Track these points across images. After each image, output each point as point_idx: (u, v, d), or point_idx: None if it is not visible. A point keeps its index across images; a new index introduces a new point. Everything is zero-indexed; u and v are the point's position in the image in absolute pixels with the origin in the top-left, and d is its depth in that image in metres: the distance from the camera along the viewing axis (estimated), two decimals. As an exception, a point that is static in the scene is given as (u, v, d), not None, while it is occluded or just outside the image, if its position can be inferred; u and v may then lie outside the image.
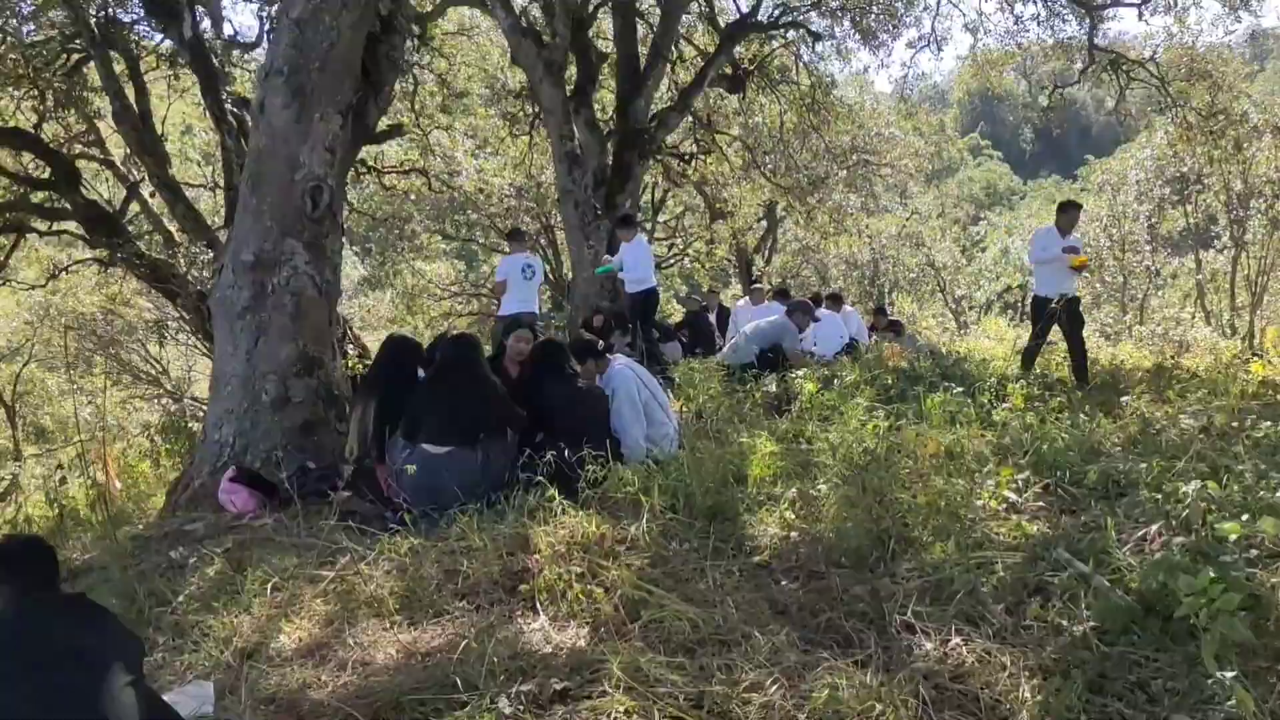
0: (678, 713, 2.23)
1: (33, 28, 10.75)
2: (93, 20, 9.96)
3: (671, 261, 22.12)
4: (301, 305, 5.06)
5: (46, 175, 11.36)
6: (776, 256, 23.53)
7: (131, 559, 3.88)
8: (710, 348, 9.54)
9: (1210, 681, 2.20)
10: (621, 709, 2.25)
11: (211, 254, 10.27)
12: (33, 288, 15.11)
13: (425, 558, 3.32)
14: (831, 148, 16.07)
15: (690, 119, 14.21)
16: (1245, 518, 2.81)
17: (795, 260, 24.63)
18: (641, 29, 12.66)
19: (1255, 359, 7.06)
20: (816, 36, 14.12)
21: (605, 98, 13.37)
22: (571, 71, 11.53)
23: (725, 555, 3.32)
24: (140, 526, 4.71)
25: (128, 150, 11.58)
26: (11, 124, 11.11)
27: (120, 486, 6.19)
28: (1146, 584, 2.60)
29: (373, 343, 11.84)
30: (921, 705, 2.24)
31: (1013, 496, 3.53)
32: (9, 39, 10.21)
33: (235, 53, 11.62)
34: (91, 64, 10.66)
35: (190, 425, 8.51)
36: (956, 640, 2.57)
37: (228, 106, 10.05)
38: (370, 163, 14.87)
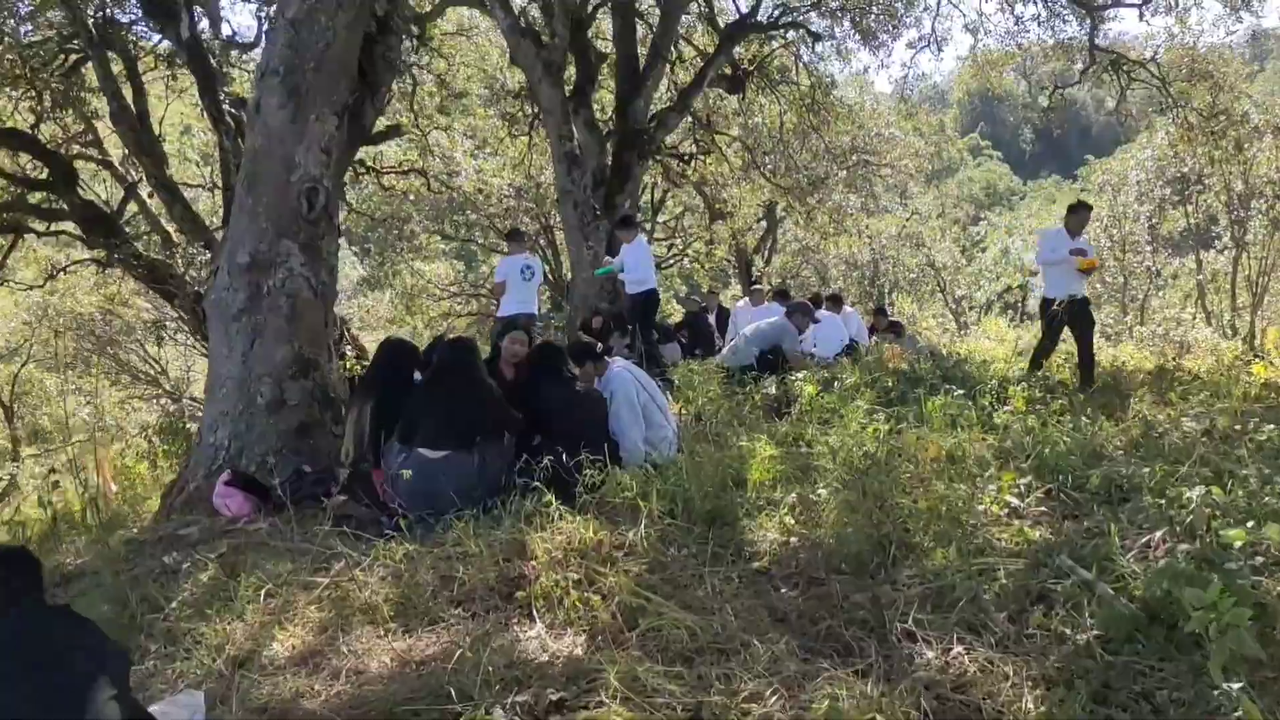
0: (675, 724, 2.20)
1: (30, 28, 10.74)
2: (90, 20, 9.94)
3: (671, 262, 22.09)
4: (297, 307, 5.02)
5: (44, 176, 11.33)
6: (776, 257, 23.50)
7: (124, 564, 3.84)
8: (709, 349, 9.51)
9: (1216, 693, 2.17)
10: (618, 720, 2.22)
11: (209, 254, 10.24)
12: (31, 288, 15.08)
13: (420, 564, 3.29)
14: (831, 148, 16.04)
15: (690, 119, 14.18)
16: (1250, 524, 2.78)
17: (795, 261, 24.60)
18: (641, 29, 12.62)
19: (1257, 360, 7.04)
20: (816, 37, 14.09)
21: (604, 98, 13.33)
22: (571, 72, 11.50)
23: (724, 561, 3.28)
24: (134, 530, 4.68)
25: (125, 151, 11.55)
26: (9, 124, 11.08)
27: (116, 489, 6.16)
28: (1151, 592, 2.56)
29: (371, 343, 11.80)
30: (923, 717, 2.21)
31: (1015, 501, 3.50)
32: (6, 39, 10.18)
33: (233, 53, 11.60)
34: (89, 64, 10.64)
35: (188, 426, 8.48)
36: (958, 649, 2.54)
37: (225, 107, 10.03)
38: (369, 163, 14.85)
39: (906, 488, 3.70)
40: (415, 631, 2.88)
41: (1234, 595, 2.24)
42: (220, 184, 11.51)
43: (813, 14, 13.94)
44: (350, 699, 2.51)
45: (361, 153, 13.01)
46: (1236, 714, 2.09)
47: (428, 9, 11.87)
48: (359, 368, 7.76)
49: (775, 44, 14.31)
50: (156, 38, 11.13)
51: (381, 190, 16.34)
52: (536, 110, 12.95)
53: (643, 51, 12.02)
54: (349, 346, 10.09)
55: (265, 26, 9.87)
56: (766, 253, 22.53)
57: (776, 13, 13.45)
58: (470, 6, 12.50)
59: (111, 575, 3.61)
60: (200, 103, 10.47)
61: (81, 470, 6.25)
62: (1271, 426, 4.19)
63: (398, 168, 16.00)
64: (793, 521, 3.56)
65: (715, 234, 19.90)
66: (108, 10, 10.25)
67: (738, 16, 13.54)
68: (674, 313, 18.31)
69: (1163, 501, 3.28)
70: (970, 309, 24.68)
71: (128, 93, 10.57)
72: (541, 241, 19.53)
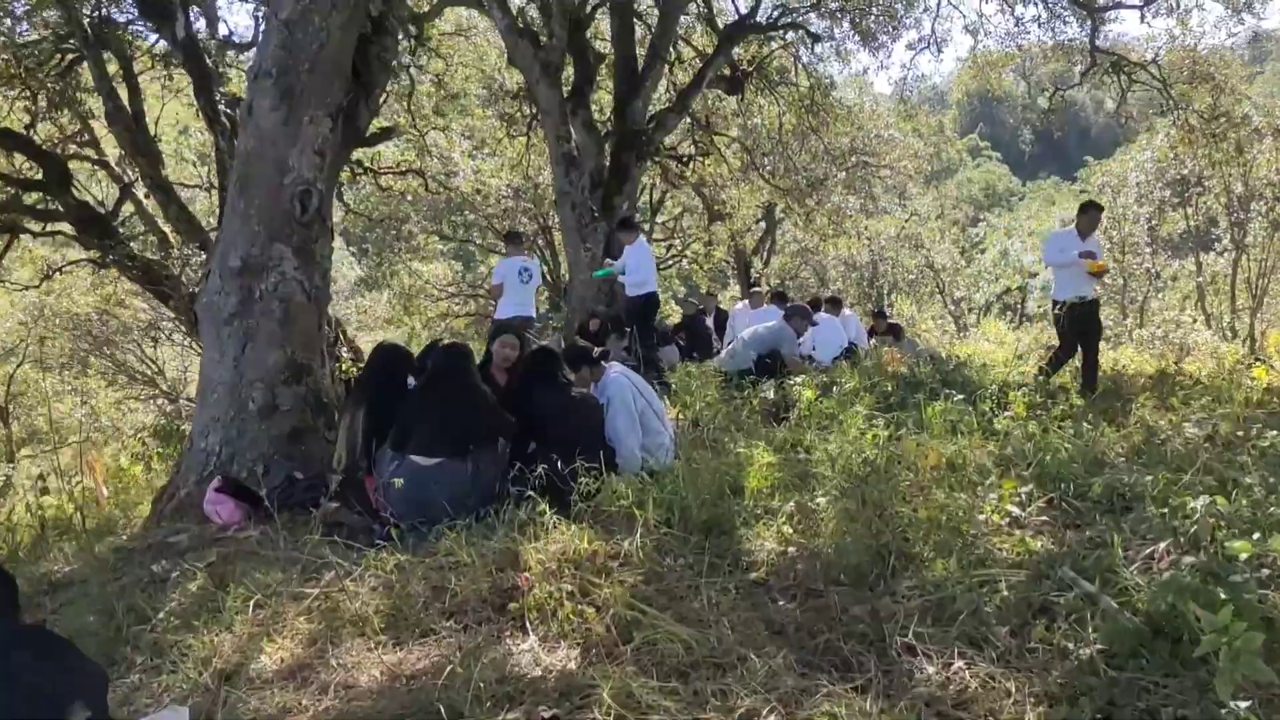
0: (670, 743, 2.15)
1: (26, 27, 10.69)
2: (86, 20, 9.88)
3: (670, 263, 22.04)
4: (290, 311, 4.97)
5: (39, 176, 11.27)
6: (775, 258, 23.45)
7: (112, 573, 3.79)
8: (707, 352, 9.45)
9: (1224, 711, 2.12)
10: (611, 739, 2.17)
11: (205, 255, 10.18)
12: (26, 288, 15.01)
13: (412, 574, 3.24)
14: (830, 149, 16.00)
15: (688, 120, 14.13)
16: (1256, 535, 2.73)
17: (794, 262, 24.55)
18: (639, 30, 12.57)
19: (1258, 364, 6.99)
20: (815, 38, 14.04)
21: (603, 99, 13.29)
22: (569, 72, 11.44)
23: (721, 572, 3.23)
24: (124, 537, 4.62)
25: (121, 151, 11.49)
26: (4, 124, 11.02)
27: (108, 493, 6.10)
28: (1155, 605, 2.51)
29: (369, 344, 11.74)
30: (924, 736, 2.16)
31: (1016, 511, 3.45)
32: (2, 38, 10.12)
33: (229, 53, 11.54)
34: (85, 64, 10.57)
35: (183, 427, 8.43)
36: (959, 664, 2.49)
37: (221, 107, 9.97)
38: (367, 163, 14.79)
39: (906, 496, 3.65)
40: (406, 644, 2.83)
41: (1242, 615, 2.17)
42: (216, 184, 11.45)
43: (812, 15, 13.89)
44: (338, 715, 2.46)
45: (359, 153, 12.96)
46: (1244, 734, 2.04)
47: (425, 9, 11.82)
48: (354, 370, 7.70)
49: (774, 45, 14.26)
50: (152, 37, 11.09)
51: (379, 190, 16.28)
52: (534, 111, 12.89)
53: (641, 52, 11.96)
54: (345, 349, 10.04)
55: (262, 27, 9.80)
56: (765, 254, 22.48)
57: (776, 13, 13.40)
58: (468, 7, 12.45)
59: (99, 585, 3.55)
60: (196, 103, 10.42)
61: (74, 474, 6.18)
62: (1274, 433, 4.14)
63: (395, 168, 15.95)
64: (791, 531, 3.51)
65: (714, 235, 19.86)
66: (103, 10, 10.19)
67: (737, 17, 13.48)
68: (672, 314, 18.27)
69: (1166, 511, 3.23)
70: (969, 310, 24.62)
71: (123, 93, 10.52)
72: (540, 242, 19.48)
